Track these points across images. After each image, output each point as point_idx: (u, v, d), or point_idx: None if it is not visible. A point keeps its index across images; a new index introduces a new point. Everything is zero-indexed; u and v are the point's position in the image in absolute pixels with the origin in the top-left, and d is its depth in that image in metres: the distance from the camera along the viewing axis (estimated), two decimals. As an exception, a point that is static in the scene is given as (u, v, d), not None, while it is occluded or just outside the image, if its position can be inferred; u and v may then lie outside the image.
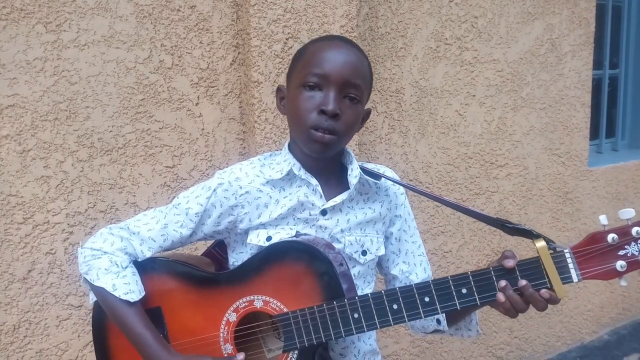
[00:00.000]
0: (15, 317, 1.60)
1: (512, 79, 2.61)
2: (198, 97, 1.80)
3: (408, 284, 1.03)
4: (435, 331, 1.20)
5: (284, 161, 1.12)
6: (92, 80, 1.63)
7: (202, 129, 1.82)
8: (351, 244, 1.12)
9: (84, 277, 1.09)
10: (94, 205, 1.67)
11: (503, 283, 0.96)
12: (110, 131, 1.67)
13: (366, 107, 1.16)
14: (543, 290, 0.96)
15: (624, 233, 0.94)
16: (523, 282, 0.96)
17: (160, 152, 1.75)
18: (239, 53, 1.84)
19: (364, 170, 1.15)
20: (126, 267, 1.08)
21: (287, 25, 1.78)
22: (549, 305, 0.97)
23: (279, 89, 1.16)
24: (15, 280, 1.59)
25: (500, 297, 0.97)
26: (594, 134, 3.27)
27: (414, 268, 1.21)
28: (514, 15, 2.56)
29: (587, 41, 2.87)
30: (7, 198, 1.55)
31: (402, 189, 1.21)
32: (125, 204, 1.72)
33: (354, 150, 1.97)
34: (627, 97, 3.48)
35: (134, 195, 1.73)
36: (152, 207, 1.75)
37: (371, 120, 2.18)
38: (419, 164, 2.36)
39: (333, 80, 1.03)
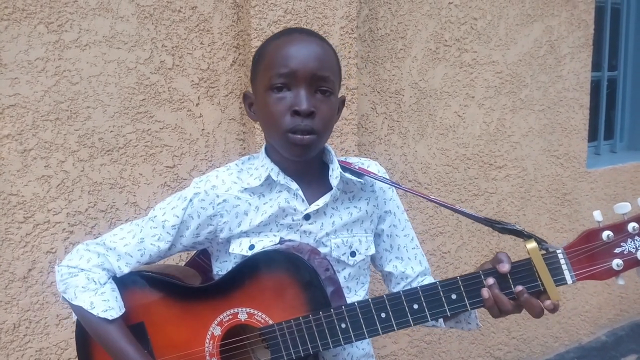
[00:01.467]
0: (15, 316, 1.60)
1: (511, 80, 2.62)
2: (198, 98, 1.80)
3: (397, 291, 0.99)
4: (434, 326, 1.17)
5: (261, 166, 1.07)
6: (93, 80, 1.63)
7: (203, 130, 1.82)
8: (338, 246, 1.08)
9: (62, 296, 1.06)
10: (95, 205, 1.68)
11: (491, 281, 0.94)
12: (111, 131, 1.68)
13: (341, 95, 1.11)
14: (547, 302, 0.94)
15: (619, 230, 0.90)
16: (519, 288, 0.93)
17: (161, 152, 1.76)
18: (239, 54, 1.85)
19: (347, 167, 1.10)
20: (104, 284, 1.04)
21: (287, 27, 1.78)
22: (547, 312, 0.95)
23: (245, 96, 1.11)
24: (15, 279, 1.59)
25: (485, 292, 0.94)
26: (593, 135, 3.27)
27: (409, 262, 1.18)
28: (513, 17, 2.57)
29: (586, 43, 2.88)
30: (8, 197, 1.56)
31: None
32: (126, 203, 1.72)
33: (353, 150, 1.98)
34: (626, 99, 3.49)
35: (135, 195, 1.74)
36: (152, 207, 1.76)
37: (370, 121, 2.19)
38: (418, 164, 2.37)
39: (301, 76, 0.97)
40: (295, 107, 0.97)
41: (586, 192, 3.04)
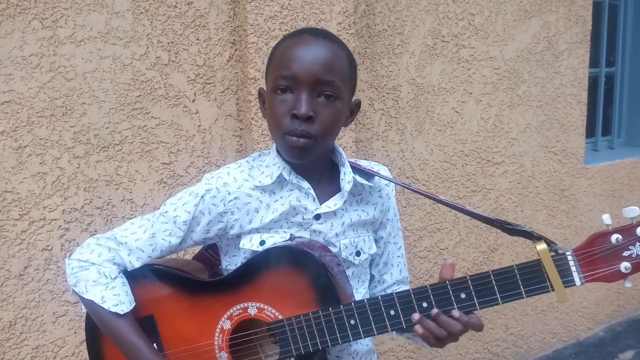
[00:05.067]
0: (11, 314, 1.60)
1: (509, 76, 2.61)
2: (195, 94, 1.79)
3: (406, 289, 0.99)
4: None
5: (273, 164, 1.07)
6: (89, 76, 1.62)
7: (199, 126, 1.81)
8: (346, 247, 1.10)
9: (73, 289, 1.07)
10: (90, 202, 1.67)
11: (416, 316, 0.96)
12: (107, 127, 1.67)
13: (355, 98, 1.11)
14: (454, 311, 0.95)
15: (628, 233, 0.91)
16: (435, 311, 0.95)
17: (157, 148, 1.75)
18: (235, 50, 1.84)
19: (356, 168, 1.11)
20: (115, 278, 1.05)
21: (284, 22, 1.77)
22: (468, 329, 0.96)
23: (259, 93, 1.12)
24: (11, 277, 1.59)
25: (418, 329, 0.96)
26: (590, 131, 3.28)
27: (390, 269, 1.20)
28: (510, 13, 2.56)
29: (584, 39, 2.88)
30: (3, 194, 1.55)
31: (393, 190, 1.18)
32: (122, 200, 1.71)
33: (351, 147, 1.97)
34: (624, 95, 3.49)
35: (131, 192, 1.73)
36: (148, 204, 1.76)
37: (368, 118, 2.19)
38: (415, 161, 2.36)
39: (302, 80, 0.97)
40: (294, 111, 0.98)
41: (584, 188, 3.04)
